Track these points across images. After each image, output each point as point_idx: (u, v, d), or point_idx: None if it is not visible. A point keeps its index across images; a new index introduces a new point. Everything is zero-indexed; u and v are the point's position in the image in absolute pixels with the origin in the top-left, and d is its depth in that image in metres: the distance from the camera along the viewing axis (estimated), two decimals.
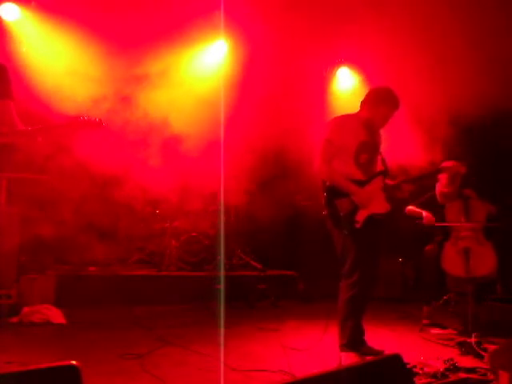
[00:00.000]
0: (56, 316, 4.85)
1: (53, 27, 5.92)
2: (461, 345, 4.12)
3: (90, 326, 4.78)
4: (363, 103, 4.00)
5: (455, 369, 3.43)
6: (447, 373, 3.36)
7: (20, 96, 3.43)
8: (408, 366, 3.25)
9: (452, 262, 4.84)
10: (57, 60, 5.97)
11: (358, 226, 3.73)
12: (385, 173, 4.01)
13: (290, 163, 6.43)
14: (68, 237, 5.64)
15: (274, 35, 5.94)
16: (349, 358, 3.62)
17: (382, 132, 4.11)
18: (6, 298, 4.88)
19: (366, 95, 4.03)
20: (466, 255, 4.69)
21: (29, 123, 3.17)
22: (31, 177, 5.73)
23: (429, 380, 3.27)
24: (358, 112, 4.02)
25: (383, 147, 4.12)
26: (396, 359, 1.79)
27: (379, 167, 4.01)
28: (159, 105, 6.23)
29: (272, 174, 6.83)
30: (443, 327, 4.89)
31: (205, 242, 6.94)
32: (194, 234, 6.98)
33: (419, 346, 4.36)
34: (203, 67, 6.82)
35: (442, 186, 5.24)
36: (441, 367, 3.42)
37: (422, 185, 5.15)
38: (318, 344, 4.02)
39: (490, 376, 3.28)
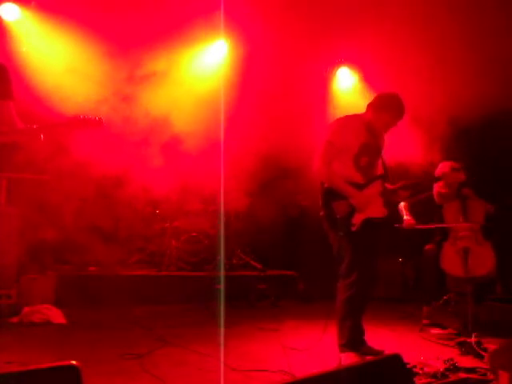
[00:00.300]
0: (56, 316, 4.85)
1: (53, 27, 5.92)
2: (461, 345, 4.12)
3: (90, 326, 4.78)
4: (369, 105, 3.98)
5: (455, 369, 3.43)
6: (447, 373, 3.36)
7: (20, 96, 3.43)
8: (408, 366, 3.25)
9: (451, 262, 4.84)
10: (57, 60, 5.97)
11: (353, 228, 3.72)
12: (384, 177, 3.99)
13: (290, 163, 6.43)
14: (68, 237, 5.64)
15: (273, 35, 5.94)
16: (348, 358, 3.62)
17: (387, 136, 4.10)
18: (6, 298, 4.89)
19: (374, 98, 4.00)
20: (465, 255, 4.69)
21: (29, 123, 3.17)
22: (31, 177, 5.74)
23: (429, 380, 3.27)
24: (363, 113, 3.99)
25: (385, 148, 4.12)
26: (396, 359, 1.80)
27: (379, 171, 3.99)
28: (159, 105, 6.23)
29: (272, 174, 6.84)
30: (443, 327, 4.89)
31: (205, 242, 6.94)
32: (194, 234, 6.98)
33: (419, 346, 4.36)
34: (203, 67, 6.82)
35: (439, 186, 5.24)
36: (441, 367, 3.42)
37: (420, 188, 5.15)
38: (318, 344, 4.02)
39: (490, 376, 3.28)
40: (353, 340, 3.72)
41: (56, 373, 1.53)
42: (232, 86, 6.26)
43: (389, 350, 3.62)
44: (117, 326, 4.81)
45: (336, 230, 3.80)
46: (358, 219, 3.73)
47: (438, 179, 5.09)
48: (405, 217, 5.17)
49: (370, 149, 3.88)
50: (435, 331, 4.83)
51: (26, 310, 4.82)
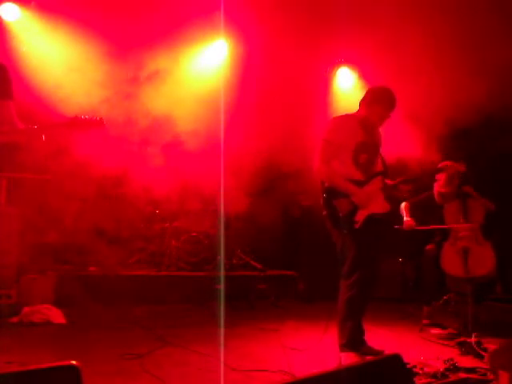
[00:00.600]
0: (56, 316, 4.85)
1: (53, 27, 5.92)
2: (461, 345, 4.13)
3: (90, 326, 4.78)
4: (361, 102, 4.03)
5: (455, 369, 3.43)
6: (447, 373, 3.36)
7: (20, 96, 3.43)
8: (408, 366, 3.25)
9: (451, 262, 4.84)
10: (57, 60, 5.97)
11: (357, 226, 3.73)
12: (384, 173, 4.01)
13: (290, 163, 6.43)
14: (68, 237, 5.64)
15: (273, 35, 5.94)
16: (349, 358, 3.62)
17: (382, 131, 4.11)
18: (6, 298, 4.88)
19: (364, 94, 4.05)
20: (465, 255, 4.69)
21: (29, 123, 3.17)
22: (31, 177, 5.74)
23: (429, 380, 3.27)
24: (356, 112, 4.03)
25: (383, 146, 4.13)
26: (396, 359, 1.80)
27: (379, 167, 4.01)
28: (159, 105, 6.23)
29: (273, 174, 6.84)
30: (443, 327, 4.89)
31: (205, 242, 6.94)
32: (194, 234, 6.98)
33: (419, 346, 4.36)
34: (203, 67, 6.82)
35: (440, 186, 5.23)
36: (441, 367, 3.42)
37: (420, 184, 5.16)
38: (318, 344, 4.02)
39: (490, 376, 3.28)
40: (353, 340, 3.72)
41: (56, 373, 1.53)
42: (232, 85, 6.26)
43: (389, 350, 3.62)
44: (117, 326, 4.80)
45: (339, 228, 3.81)
46: (360, 216, 3.74)
47: (439, 170, 5.09)
48: (405, 218, 5.18)
49: (368, 146, 3.90)
50: (435, 331, 4.83)
51: (26, 310, 4.82)
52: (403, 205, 5.28)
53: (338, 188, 3.76)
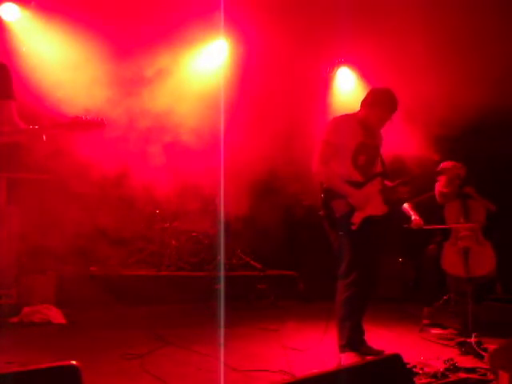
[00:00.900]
0: (56, 316, 4.85)
1: (53, 27, 5.92)
2: (461, 345, 4.13)
3: (90, 326, 4.78)
4: (362, 103, 4.00)
5: (455, 369, 3.43)
6: (447, 373, 3.36)
7: (20, 96, 3.43)
8: (408, 366, 3.25)
9: (451, 262, 4.84)
10: (57, 60, 5.97)
11: (353, 227, 3.73)
12: (383, 174, 4.00)
13: (291, 162, 6.43)
14: (68, 237, 5.63)
15: (273, 35, 5.94)
16: (349, 359, 3.62)
17: (383, 132, 4.11)
18: (6, 298, 4.88)
19: (366, 95, 4.03)
20: (466, 255, 4.69)
21: (30, 123, 3.16)
22: (31, 177, 5.73)
23: (429, 380, 3.27)
24: (357, 112, 4.01)
25: (383, 147, 4.13)
26: (396, 359, 1.80)
27: (378, 168, 4.00)
28: (159, 105, 6.23)
29: (273, 174, 6.83)
30: (443, 327, 4.89)
31: (205, 242, 6.94)
32: (194, 234, 6.98)
33: (419, 346, 4.36)
34: (203, 67, 6.82)
35: (441, 186, 5.24)
36: (441, 367, 3.42)
37: (419, 185, 5.16)
38: (319, 344, 4.02)
39: (490, 376, 3.28)
40: (353, 340, 3.72)
41: (56, 373, 1.53)
42: (232, 85, 6.26)
43: (389, 350, 3.62)
44: (117, 326, 4.81)
45: (336, 229, 3.81)
46: (357, 218, 3.74)
47: (439, 173, 5.09)
48: (413, 217, 5.16)
49: (368, 147, 3.89)
50: (435, 331, 4.84)
51: (26, 310, 4.82)
52: (406, 205, 5.28)
53: (336, 189, 3.76)
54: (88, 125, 3.06)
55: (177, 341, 4.24)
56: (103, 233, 6.12)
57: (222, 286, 5.85)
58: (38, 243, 5.33)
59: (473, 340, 4.03)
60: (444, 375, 3.32)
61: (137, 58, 6.01)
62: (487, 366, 3.44)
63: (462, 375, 3.36)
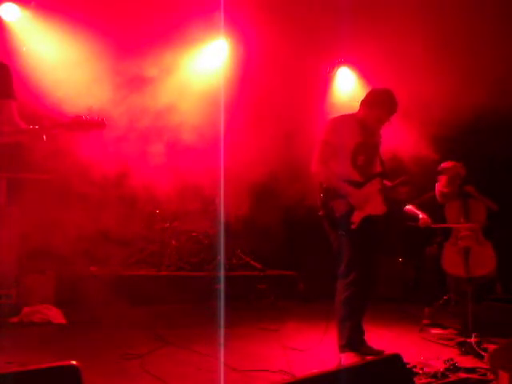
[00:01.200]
0: (56, 316, 4.85)
1: (53, 27, 5.92)
2: (461, 345, 4.13)
3: (90, 326, 4.78)
4: (362, 103, 4.00)
5: (455, 369, 3.43)
6: (447, 373, 3.36)
7: (20, 96, 3.43)
8: (408, 366, 3.25)
9: (452, 262, 4.84)
10: (57, 59, 5.97)
11: (353, 227, 3.73)
12: (383, 174, 4.01)
13: (291, 162, 6.43)
14: (68, 237, 5.63)
15: (273, 35, 5.93)
16: (349, 359, 3.62)
17: (381, 131, 4.11)
18: (6, 298, 4.88)
19: (366, 95, 4.03)
20: (466, 255, 4.69)
21: (30, 123, 3.16)
22: (32, 177, 5.73)
23: (429, 380, 3.27)
24: (356, 112, 4.01)
25: (382, 147, 4.13)
26: (396, 359, 1.80)
27: (377, 168, 4.00)
28: (159, 104, 6.23)
29: (273, 174, 6.83)
30: (443, 327, 4.89)
31: (205, 242, 6.94)
32: (194, 234, 6.98)
33: (419, 346, 4.36)
34: (203, 68, 6.81)
35: (441, 185, 5.24)
36: (441, 367, 3.43)
37: (421, 185, 5.17)
38: (319, 344, 4.02)
39: (490, 376, 3.28)
40: (353, 340, 3.72)
41: (56, 373, 1.53)
42: (232, 85, 6.26)
43: (389, 350, 3.62)
44: (117, 326, 4.80)
45: (336, 229, 3.81)
46: (357, 217, 3.74)
47: (439, 173, 5.10)
48: (420, 215, 5.15)
49: (367, 147, 3.90)
50: (435, 331, 4.84)
51: (26, 310, 4.82)
52: (410, 206, 5.28)
53: (336, 189, 3.76)
54: (88, 125, 3.06)
55: (177, 341, 4.24)
56: (103, 233, 6.12)
57: (221, 285, 5.85)
58: (38, 243, 5.33)
59: (473, 340, 4.03)
60: (444, 375, 3.32)
61: (137, 58, 6.00)
62: (487, 366, 3.44)
63: (462, 375, 3.36)
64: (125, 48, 5.89)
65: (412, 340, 4.62)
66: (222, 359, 3.66)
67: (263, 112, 6.30)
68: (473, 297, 4.47)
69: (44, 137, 3.05)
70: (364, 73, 7.10)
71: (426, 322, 4.99)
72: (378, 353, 3.76)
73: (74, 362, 1.54)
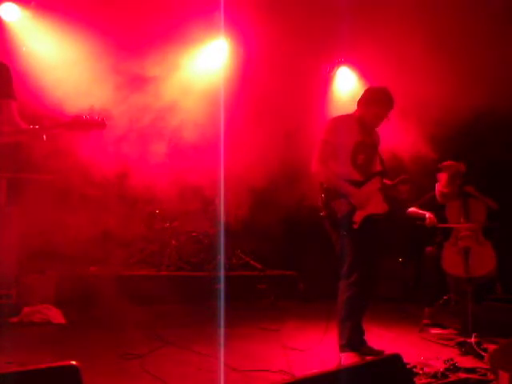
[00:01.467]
0: (56, 316, 4.85)
1: (53, 27, 5.92)
2: (461, 345, 4.13)
3: (90, 326, 4.79)
4: (359, 102, 4.03)
5: (455, 369, 3.43)
6: (447, 373, 3.36)
7: (20, 96, 3.43)
8: (408, 366, 3.25)
9: (452, 262, 4.84)
10: (57, 59, 5.97)
11: (355, 226, 3.74)
12: (383, 173, 4.02)
13: (291, 162, 6.43)
14: (68, 237, 5.63)
15: (273, 35, 5.94)
16: (349, 359, 3.62)
17: (380, 131, 4.12)
18: (6, 298, 4.88)
19: (362, 94, 4.05)
20: (466, 255, 4.69)
21: (30, 123, 3.16)
22: (32, 177, 5.73)
23: (429, 380, 3.27)
24: (354, 112, 4.03)
25: (381, 146, 4.14)
26: (396, 359, 1.80)
27: (377, 167, 4.01)
28: (159, 104, 6.23)
29: (273, 174, 6.83)
30: (443, 327, 4.89)
31: (205, 242, 6.93)
32: (194, 234, 6.97)
33: (419, 346, 4.37)
34: (203, 68, 6.81)
35: (441, 186, 5.24)
36: (441, 367, 3.43)
37: (421, 186, 5.17)
38: (319, 344, 4.02)
39: (490, 376, 3.28)
40: (353, 340, 3.72)
41: (56, 373, 1.53)
42: (232, 85, 6.26)
43: (389, 350, 3.63)
44: (117, 326, 4.80)
45: (338, 229, 3.81)
46: (358, 217, 3.75)
47: (439, 170, 5.11)
48: (427, 215, 5.15)
49: (366, 146, 3.91)
50: (435, 331, 4.84)
51: (26, 310, 4.82)
52: (413, 208, 5.29)
53: (336, 189, 3.77)
54: (88, 124, 3.06)
55: (177, 341, 4.24)
56: (103, 233, 6.12)
57: (221, 285, 5.85)
58: (38, 243, 5.33)
59: (473, 340, 4.03)
60: (444, 375, 3.32)
61: (137, 58, 6.00)
62: (487, 366, 3.44)
63: (462, 375, 3.36)
64: (124, 48, 5.89)
65: (412, 340, 4.62)
66: (222, 359, 3.66)
67: (263, 112, 6.30)
68: (473, 297, 4.47)
69: (44, 137, 3.05)
70: (364, 73, 7.10)
71: (425, 321, 4.99)
72: (378, 353, 3.76)
73: (73, 362, 1.54)
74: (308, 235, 6.95)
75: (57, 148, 5.21)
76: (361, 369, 1.76)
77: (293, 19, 5.75)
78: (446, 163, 5.15)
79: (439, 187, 5.27)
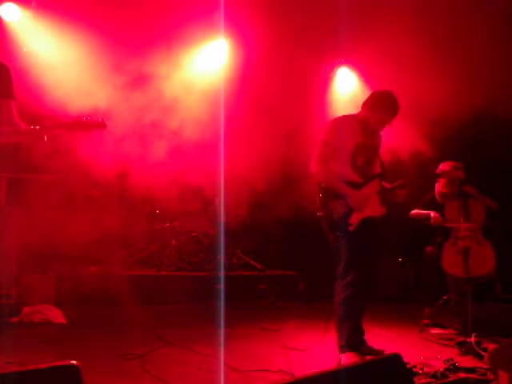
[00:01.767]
0: (56, 316, 4.85)
1: (53, 27, 5.92)
2: (461, 345, 4.13)
3: (90, 326, 4.78)
4: (364, 104, 4.00)
5: (455, 369, 3.43)
6: (447, 373, 3.36)
7: (21, 96, 3.43)
8: (408, 366, 3.25)
9: (451, 262, 4.84)
10: (57, 59, 5.97)
11: (351, 228, 3.73)
12: (382, 175, 4.01)
13: (290, 162, 6.43)
14: (68, 237, 5.63)
15: (273, 35, 5.94)
16: (349, 359, 3.62)
17: (382, 133, 4.11)
18: (6, 298, 4.88)
19: (368, 97, 4.03)
20: (465, 255, 4.69)
21: (30, 123, 3.16)
22: (32, 177, 5.73)
23: (429, 380, 3.27)
24: (357, 113, 4.02)
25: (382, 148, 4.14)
26: (396, 359, 1.80)
27: (377, 169, 4.00)
28: (159, 105, 6.23)
29: (273, 175, 6.83)
30: (443, 327, 4.90)
31: (205, 242, 6.93)
32: (194, 234, 6.97)
33: (419, 346, 4.37)
34: (203, 68, 6.81)
35: (440, 186, 5.24)
36: (441, 367, 3.43)
37: (420, 187, 5.17)
38: (319, 344, 4.02)
39: (490, 376, 3.28)
40: (352, 340, 3.72)
41: (56, 373, 1.53)
42: (232, 86, 6.26)
43: (389, 350, 3.62)
44: (117, 326, 4.81)
45: (334, 230, 3.81)
46: (355, 219, 3.74)
47: (438, 176, 5.11)
48: (432, 214, 5.15)
49: (367, 148, 3.90)
50: (435, 331, 4.84)
51: (26, 310, 4.82)
52: (415, 211, 5.29)
53: (335, 189, 3.76)
54: (89, 125, 3.06)
55: (177, 341, 4.24)
56: (103, 233, 6.12)
57: (221, 285, 5.85)
58: (38, 243, 5.33)
59: (473, 340, 4.04)
60: (444, 375, 3.32)
61: (137, 58, 6.01)
62: (487, 366, 3.44)
63: (462, 375, 3.36)
64: (125, 48, 5.89)
65: (412, 340, 4.62)
66: (222, 359, 3.66)
67: (263, 112, 6.30)
68: (473, 297, 4.47)
69: (45, 137, 3.05)
70: (364, 73, 7.10)
71: (425, 321, 4.99)
72: (378, 353, 3.76)
73: (74, 362, 1.55)
74: (308, 235, 6.94)
75: (57, 148, 5.21)
76: (361, 369, 1.76)
77: (293, 19, 5.76)
78: (444, 166, 5.14)
79: (439, 187, 5.27)
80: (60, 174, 5.78)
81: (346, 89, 7.40)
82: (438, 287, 5.07)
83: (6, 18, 5.97)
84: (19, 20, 6.00)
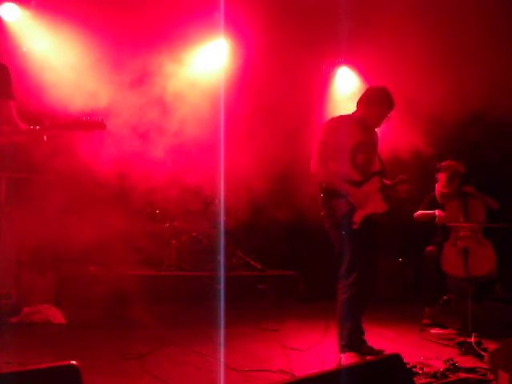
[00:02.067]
0: (56, 316, 4.85)
1: (53, 27, 5.92)
2: (461, 345, 4.13)
3: (90, 326, 4.78)
4: (359, 102, 4.03)
5: (455, 369, 3.43)
6: (447, 373, 3.36)
7: (20, 96, 3.43)
8: (408, 366, 3.25)
9: (451, 262, 4.84)
10: (57, 60, 5.97)
11: (355, 226, 3.74)
12: (382, 173, 4.02)
13: (290, 162, 6.43)
14: (68, 237, 5.63)
15: (273, 35, 5.94)
16: (349, 359, 3.62)
17: (379, 130, 4.12)
18: (6, 298, 4.88)
19: (362, 94, 4.06)
20: (465, 255, 4.70)
21: (30, 123, 3.17)
22: (32, 177, 5.73)
23: (429, 380, 3.27)
24: (353, 112, 4.03)
25: (380, 146, 4.14)
26: (396, 359, 1.80)
27: (376, 167, 4.01)
28: (159, 105, 6.23)
29: (273, 175, 6.83)
30: (443, 327, 4.90)
31: (205, 242, 6.93)
32: (194, 234, 6.97)
33: (419, 346, 4.36)
34: (203, 68, 6.81)
35: (441, 186, 5.25)
36: (441, 367, 3.43)
37: (420, 186, 5.17)
38: (319, 344, 4.02)
39: (490, 376, 3.28)
40: (353, 340, 3.72)
41: (56, 373, 1.53)
42: (232, 85, 6.26)
43: (389, 350, 3.63)
44: (117, 326, 4.81)
45: (337, 229, 3.81)
46: (358, 217, 3.75)
47: (438, 171, 5.12)
48: (437, 212, 5.15)
49: (366, 146, 3.91)
50: (435, 331, 4.84)
51: (26, 310, 4.82)
52: (419, 212, 5.29)
53: (336, 189, 3.77)
54: (89, 125, 3.06)
55: (176, 340, 4.24)
56: (103, 233, 6.11)
57: (221, 285, 5.85)
58: (38, 243, 5.33)
59: (473, 340, 4.04)
60: (444, 375, 3.32)
61: (137, 58, 6.01)
62: (487, 366, 3.44)
63: (462, 375, 3.36)
64: (124, 48, 5.89)
65: (412, 340, 4.62)
66: (222, 359, 3.66)
67: (263, 112, 6.30)
68: (473, 297, 4.47)
69: (45, 137, 3.05)
70: (364, 73, 7.10)
71: (425, 321, 4.99)
72: (378, 353, 3.76)
73: (74, 362, 1.55)
74: (308, 235, 6.95)
75: (57, 148, 5.21)
76: (361, 369, 1.76)
77: (293, 19, 5.76)
78: (445, 163, 5.15)
79: (439, 187, 5.27)
80: (60, 173, 5.77)
81: (346, 88, 7.40)
82: (438, 287, 5.07)
83: (6, 18, 5.97)
84: (19, 20, 6.00)
